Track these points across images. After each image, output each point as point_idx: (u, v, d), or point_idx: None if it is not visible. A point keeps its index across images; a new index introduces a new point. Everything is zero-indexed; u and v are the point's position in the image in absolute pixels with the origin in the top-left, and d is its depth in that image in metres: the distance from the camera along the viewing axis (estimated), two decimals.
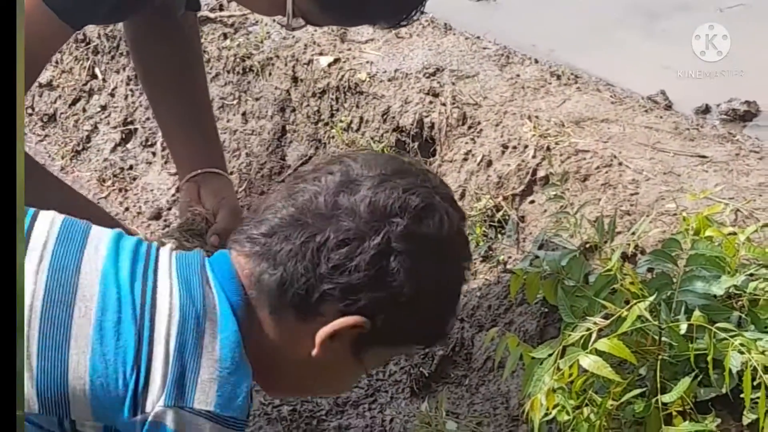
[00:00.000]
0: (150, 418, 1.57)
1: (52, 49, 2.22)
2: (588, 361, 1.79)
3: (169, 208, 3.40)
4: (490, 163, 2.82)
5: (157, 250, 1.74)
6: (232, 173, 3.23)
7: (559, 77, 3.15)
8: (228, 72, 3.49)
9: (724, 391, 1.85)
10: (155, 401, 1.57)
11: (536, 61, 3.28)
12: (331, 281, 1.62)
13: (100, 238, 1.72)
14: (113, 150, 3.66)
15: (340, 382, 1.86)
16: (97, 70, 3.77)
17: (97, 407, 1.59)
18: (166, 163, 3.49)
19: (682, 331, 1.85)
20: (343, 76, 3.24)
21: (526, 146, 2.76)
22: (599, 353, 1.79)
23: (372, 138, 3.09)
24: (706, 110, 3.32)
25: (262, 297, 1.67)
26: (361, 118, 3.16)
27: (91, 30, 3.74)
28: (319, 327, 1.66)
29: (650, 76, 3.43)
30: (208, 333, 1.61)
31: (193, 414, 1.57)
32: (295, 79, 3.33)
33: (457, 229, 1.71)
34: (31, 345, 1.57)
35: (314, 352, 1.67)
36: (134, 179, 3.56)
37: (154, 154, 3.57)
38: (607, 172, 2.60)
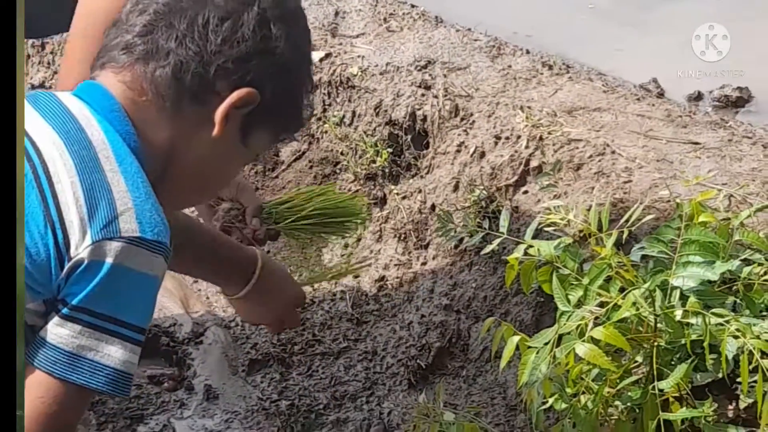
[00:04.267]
0: (85, 260, 1.57)
1: None
2: (584, 349, 1.78)
3: None
4: (483, 155, 2.82)
5: None
6: None
7: (550, 67, 3.14)
8: None
9: (720, 376, 1.85)
10: (79, 244, 1.57)
11: (527, 52, 3.28)
12: (222, 54, 1.70)
13: None
14: None
15: (230, 171, 1.90)
16: None
17: (31, 282, 1.59)
18: None
19: (678, 318, 1.85)
20: (334, 70, 3.24)
21: (518, 137, 2.76)
22: (595, 341, 1.79)
23: (365, 132, 3.09)
24: (698, 97, 3.32)
25: (159, 95, 1.71)
26: (354, 113, 3.16)
27: None
28: (216, 108, 1.72)
29: (641, 64, 3.43)
30: (108, 169, 1.63)
31: (124, 242, 1.58)
32: None
33: None
34: None
35: (215, 131, 1.72)
36: None
37: None
38: (600, 161, 2.60)
